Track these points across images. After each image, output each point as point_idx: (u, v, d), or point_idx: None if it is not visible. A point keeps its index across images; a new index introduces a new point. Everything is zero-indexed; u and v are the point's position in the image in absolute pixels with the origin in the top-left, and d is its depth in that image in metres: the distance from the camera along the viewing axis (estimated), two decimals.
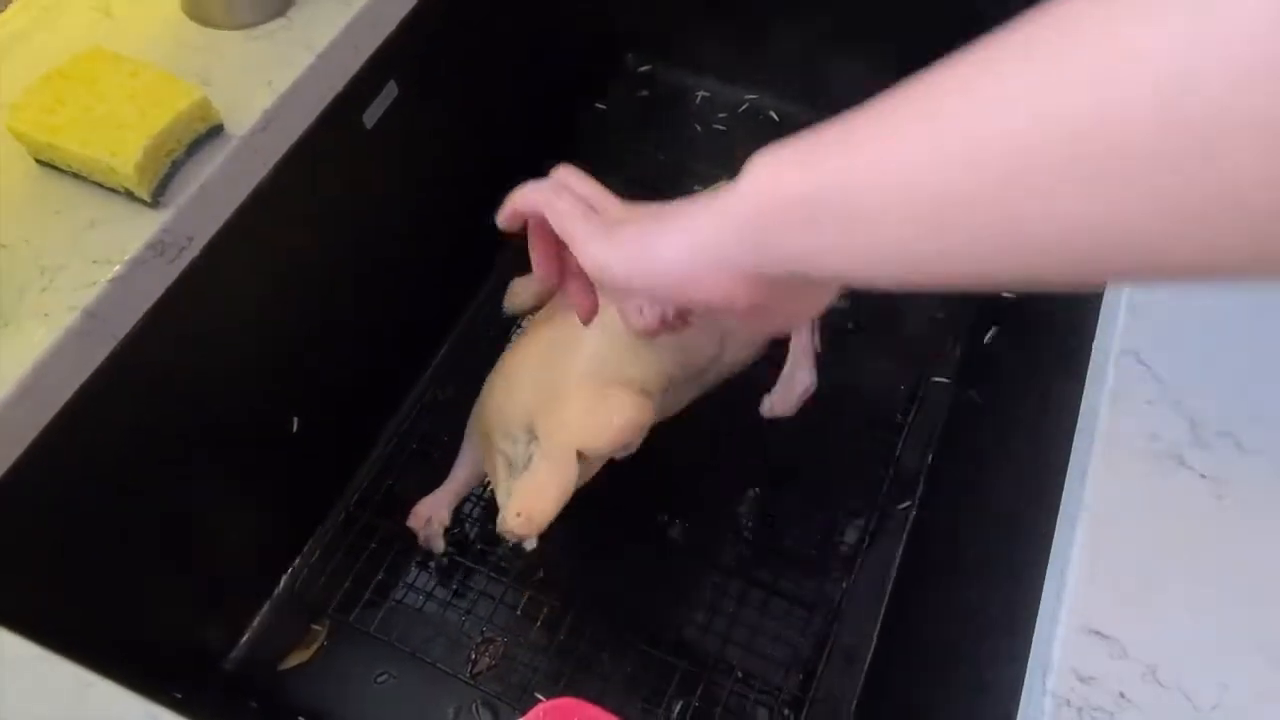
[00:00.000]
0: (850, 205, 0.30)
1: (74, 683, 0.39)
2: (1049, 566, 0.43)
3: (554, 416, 0.59)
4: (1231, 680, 0.38)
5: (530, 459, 0.58)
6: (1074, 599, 0.40)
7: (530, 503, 0.56)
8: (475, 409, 0.68)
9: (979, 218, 0.27)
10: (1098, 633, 0.40)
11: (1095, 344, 0.50)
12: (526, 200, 0.46)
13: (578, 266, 0.44)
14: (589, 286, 0.48)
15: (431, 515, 0.70)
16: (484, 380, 0.66)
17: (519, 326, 0.83)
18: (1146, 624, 0.40)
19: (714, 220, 0.36)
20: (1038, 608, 0.42)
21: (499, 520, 0.58)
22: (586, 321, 0.49)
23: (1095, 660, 0.39)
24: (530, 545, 0.59)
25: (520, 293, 0.75)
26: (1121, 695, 0.38)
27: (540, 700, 0.40)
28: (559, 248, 0.46)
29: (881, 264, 0.31)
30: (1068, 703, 0.38)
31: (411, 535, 0.71)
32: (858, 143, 0.31)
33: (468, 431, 0.71)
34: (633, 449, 0.61)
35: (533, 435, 0.59)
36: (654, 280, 0.39)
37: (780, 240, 0.33)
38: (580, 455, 0.58)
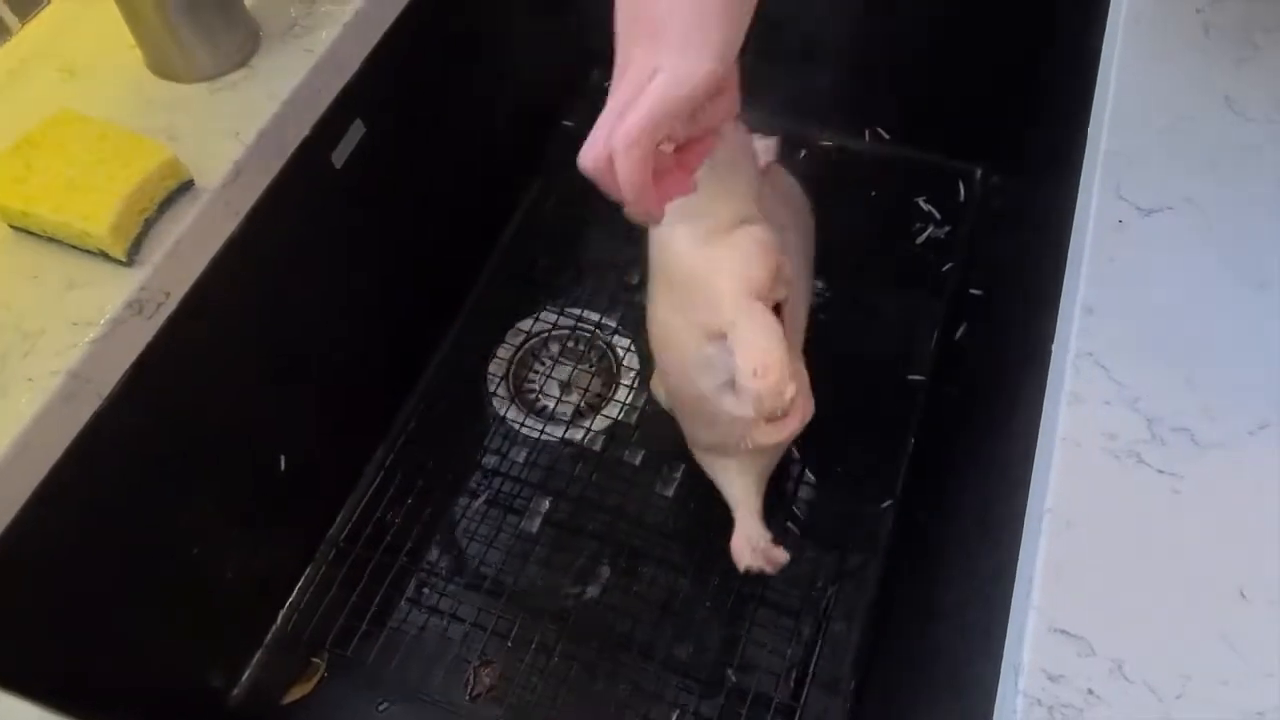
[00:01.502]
0: None
1: None
2: (1018, 567, 0.44)
3: (715, 301, 0.57)
4: (1194, 670, 0.40)
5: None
6: (1041, 599, 0.42)
7: (755, 356, 0.53)
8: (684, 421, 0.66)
9: None
10: (1064, 631, 0.41)
11: (1054, 346, 0.51)
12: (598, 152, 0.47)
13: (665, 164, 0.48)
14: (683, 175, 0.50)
15: (755, 541, 0.66)
16: (460, 408, 0.66)
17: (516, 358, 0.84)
18: (1112, 621, 0.41)
19: None
20: (1009, 607, 0.43)
21: (754, 399, 0.53)
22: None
23: (1063, 659, 0.40)
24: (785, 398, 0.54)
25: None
26: (1090, 692, 0.40)
27: None
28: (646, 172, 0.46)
29: None
30: (1039, 702, 0.40)
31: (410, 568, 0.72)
32: None
33: (701, 460, 0.69)
34: (784, 291, 0.60)
35: (719, 336, 0.57)
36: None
37: None
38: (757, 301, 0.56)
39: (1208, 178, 0.55)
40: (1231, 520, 0.44)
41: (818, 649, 0.70)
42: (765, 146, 0.72)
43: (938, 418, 0.80)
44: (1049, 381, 0.50)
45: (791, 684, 0.69)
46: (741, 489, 0.66)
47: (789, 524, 0.76)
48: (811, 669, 0.69)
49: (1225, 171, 0.55)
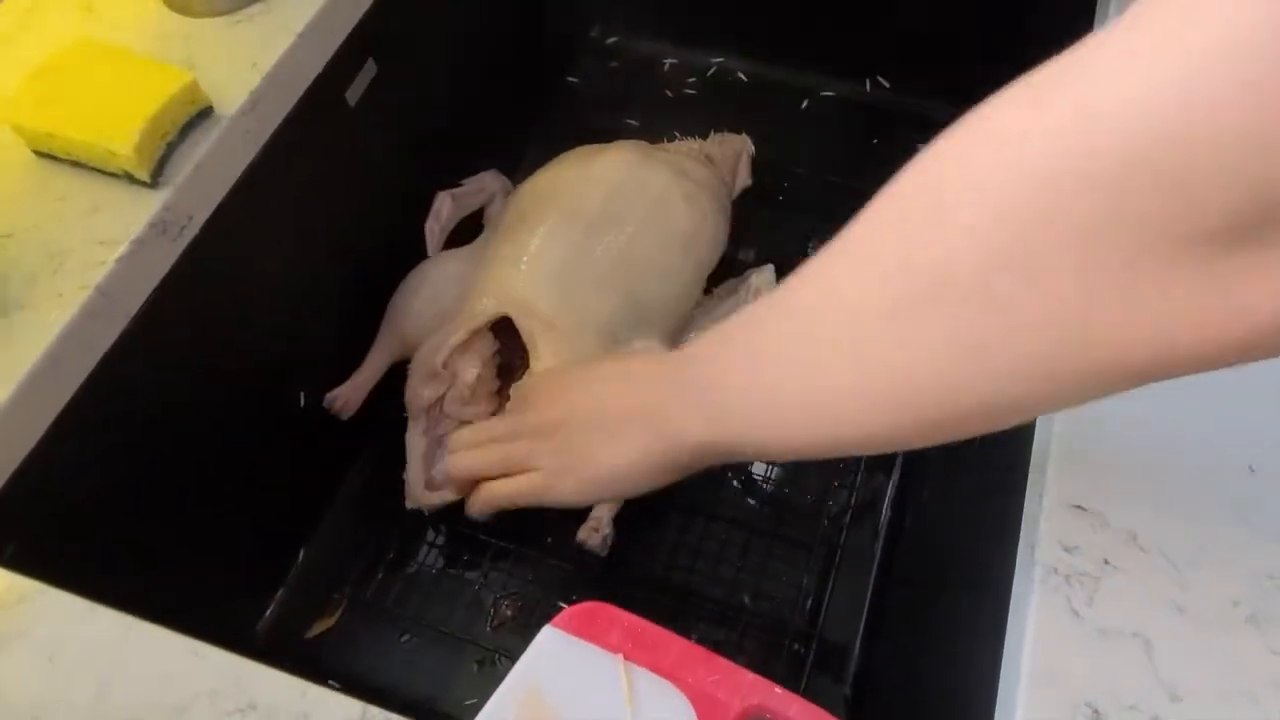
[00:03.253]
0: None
1: (115, 626, 0.41)
2: (1033, 450, 0.45)
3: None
4: (1207, 538, 0.41)
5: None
6: (1054, 477, 0.43)
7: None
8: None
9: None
10: (1079, 507, 0.42)
11: None
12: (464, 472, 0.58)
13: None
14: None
15: (348, 401, 0.72)
16: None
17: None
18: (1125, 496, 0.42)
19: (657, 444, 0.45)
20: (1024, 492, 0.44)
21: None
22: None
23: (1078, 531, 0.41)
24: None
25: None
26: (1105, 561, 0.41)
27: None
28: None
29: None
30: (1055, 570, 0.41)
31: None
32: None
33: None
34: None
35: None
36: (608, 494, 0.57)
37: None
38: None
39: None
40: (1241, 397, 0.45)
41: (833, 575, 0.71)
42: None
43: None
44: None
45: (807, 612, 0.70)
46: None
47: None
48: (828, 595, 0.70)
49: None
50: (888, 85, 0.96)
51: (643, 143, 0.81)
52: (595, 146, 0.77)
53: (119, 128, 0.51)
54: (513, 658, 0.70)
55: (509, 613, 0.71)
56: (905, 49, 0.92)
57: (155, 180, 0.53)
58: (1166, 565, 0.41)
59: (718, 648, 0.39)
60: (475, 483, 0.57)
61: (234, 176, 0.57)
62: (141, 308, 0.52)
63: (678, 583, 0.71)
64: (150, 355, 0.54)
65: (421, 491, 0.66)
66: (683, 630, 0.42)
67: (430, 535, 0.74)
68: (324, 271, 0.70)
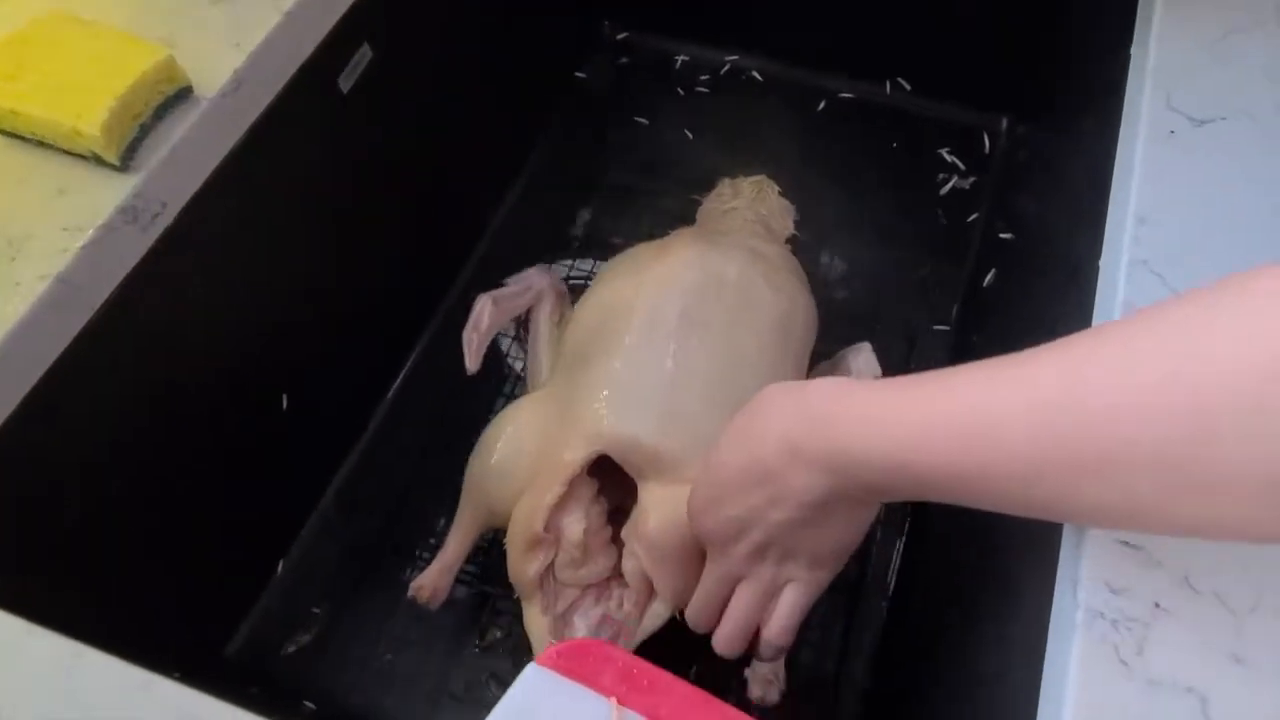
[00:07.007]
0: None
1: (60, 654, 0.37)
2: None
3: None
4: (1268, 581, 0.37)
5: None
6: None
7: None
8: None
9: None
10: (1125, 542, 0.38)
11: (1103, 260, 0.48)
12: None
13: None
14: None
15: (436, 589, 0.64)
16: None
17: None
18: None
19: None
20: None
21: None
22: None
23: (1125, 570, 0.37)
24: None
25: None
26: (1156, 605, 0.37)
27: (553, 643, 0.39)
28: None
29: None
30: (1101, 615, 0.37)
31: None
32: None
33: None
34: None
35: None
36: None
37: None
38: None
39: (1262, 89, 0.52)
40: None
41: (852, 602, 0.67)
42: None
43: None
44: (1099, 293, 0.47)
45: (816, 647, 0.66)
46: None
47: None
48: (843, 628, 0.66)
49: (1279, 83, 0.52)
50: (909, 88, 0.92)
51: (697, 230, 0.76)
52: (649, 245, 0.68)
53: (86, 105, 0.48)
54: (501, 682, 0.67)
55: (498, 634, 0.67)
56: (928, 50, 0.89)
57: (126, 163, 0.49)
58: (1223, 611, 0.37)
59: (720, 687, 0.35)
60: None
61: (212, 163, 0.53)
62: (106, 301, 0.48)
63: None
64: (115, 352, 0.50)
65: None
66: (681, 665, 0.39)
67: (416, 550, 0.71)
68: (309, 268, 0.66)
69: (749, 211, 0.78)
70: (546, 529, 0.56)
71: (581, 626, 0.57)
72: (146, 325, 0.52)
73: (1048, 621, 0.38)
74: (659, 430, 0.56)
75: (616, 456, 0.56)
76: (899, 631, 0.64)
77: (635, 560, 0.55)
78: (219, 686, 0.63)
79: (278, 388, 0.65)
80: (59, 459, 0.49)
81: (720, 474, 0.46)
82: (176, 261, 0.52)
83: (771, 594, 0.49)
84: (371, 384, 0.77)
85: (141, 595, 0.58)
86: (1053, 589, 0.39)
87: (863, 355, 0.68)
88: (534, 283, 0.73)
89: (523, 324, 0.75)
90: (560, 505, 0.56)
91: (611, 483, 0.58)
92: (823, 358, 0.69)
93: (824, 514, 0.43)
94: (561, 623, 0.57)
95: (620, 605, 0.58)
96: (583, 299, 0.67)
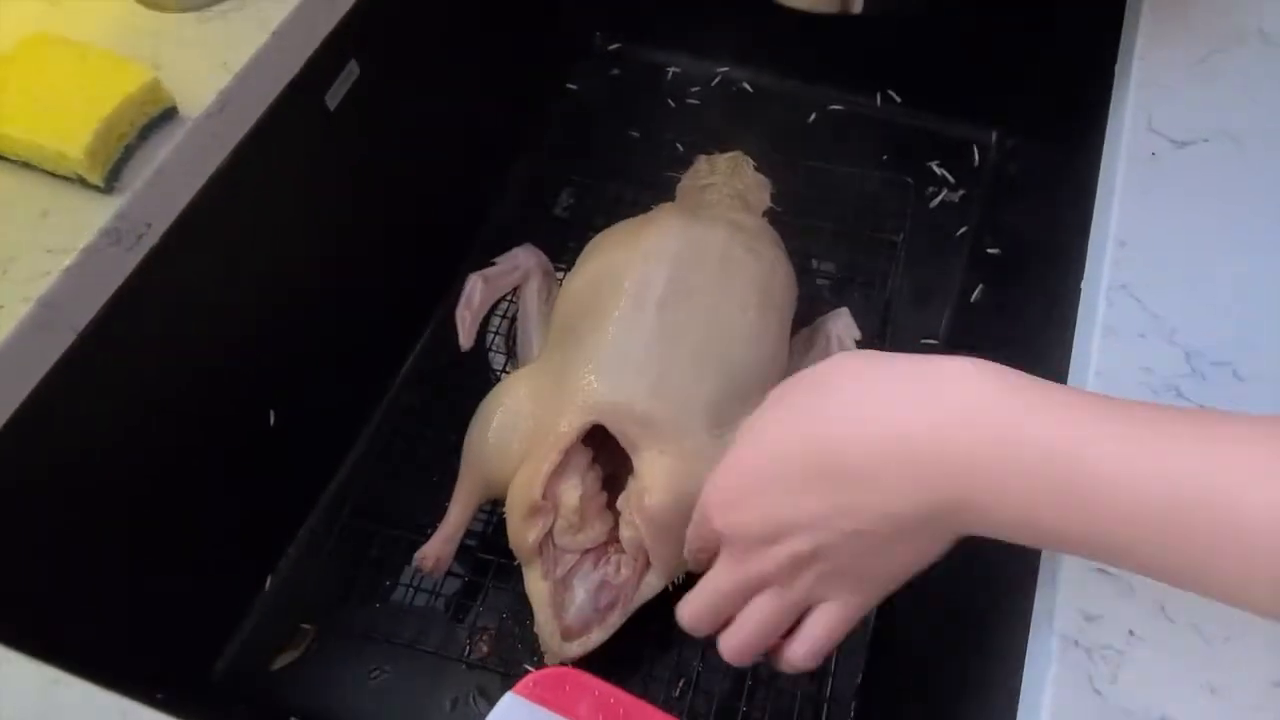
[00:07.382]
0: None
1: (38, 680, 0.37)
2: None
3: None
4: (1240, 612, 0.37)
5: None
6: None
7: None
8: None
9: None
10: (1102, 570, 0.38)
11: (1085, 281, 0.49)
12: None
13: None
14: None
15: (439, 558, 0.65)
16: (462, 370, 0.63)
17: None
18: None
19: None
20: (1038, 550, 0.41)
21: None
22: None
23: (1101, 598, 0.38)
24: None
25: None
26: (1131, 633, 0.37)
27: (530, 670, 0.39)
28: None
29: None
30: (1076, 644, 0.37)
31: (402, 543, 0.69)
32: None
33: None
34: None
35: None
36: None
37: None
38: None
39: (1243, 111, 0.52)
40: None
41: None
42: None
43: None
44: (1079, 316, 0.47)
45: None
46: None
47: None
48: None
49: (1261, 104, 0.53)
50: (899, 100, 0.92)
51: (677, 204, 0.77)
52: (633, 221, 0.71)
53: (71, 127, 0.48)
54: (488, 698, 0.67)
55: (485, 648, 0.67)
56: (919, 62, 0.89)
57: (110, 185, 0.49)
58: (1198, 640, 0.37)
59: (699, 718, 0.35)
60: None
61: (198, 184, 0.53)
62: (90, 323, 0.48)
63: (654, 639, 0.65)
64: (99, 375, 0.50)
65: (559, 644, 0.58)
66: (662, 694, 0.39)
67: (406, 564, 0.71)
68: (295, 288, 0.66)
69: (726, 186, 0.80)
70: (544, 496, 0.58)
71: (580, 590, 0.59)
72: (131, 348, 0.52)
73: (1024, 649, 0.39)
74: (649, 397, 0.58)
75: (610, 426, 0.58)
76: (884, 658, 0.64)
77: (634, 530, 0.57)
78: (204, 707, 0.63)
79: (265, 406, 0.66)
80: (42, 480, 0.49)
81: (762, 465, 0.39)
82: (161, 284, 0.52)
83: (799, 610, 0.42)
84: (360, 402, 0.77)
85: (128, 615, 0.58)
86: (1030, 616, 0.39)
87: (841, 320, 0.70)
88: (521, 261, 0.77)
89: (511, 325, 0.77)
90: (557, 473, 0.58)
91: (605, 450, 0.60)
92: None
93: (900, 537, 0.37)
94: (561, 586, 0.59)
95: (618, 570, 0.59)
96: (571, 273, 0.70)
